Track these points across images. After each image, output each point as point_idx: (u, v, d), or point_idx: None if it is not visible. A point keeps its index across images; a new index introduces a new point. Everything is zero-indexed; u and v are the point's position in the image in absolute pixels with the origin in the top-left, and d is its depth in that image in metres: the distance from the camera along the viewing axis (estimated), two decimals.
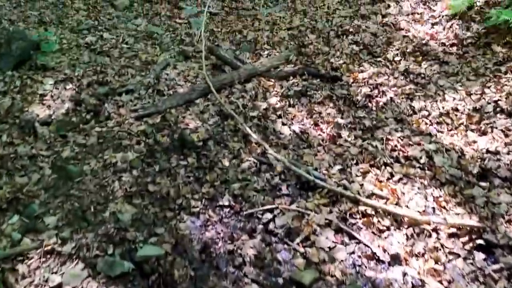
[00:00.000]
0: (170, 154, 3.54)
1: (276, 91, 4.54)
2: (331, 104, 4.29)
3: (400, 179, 3.08)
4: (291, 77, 4.74)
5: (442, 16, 5.07)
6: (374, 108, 4.07)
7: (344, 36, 5.33)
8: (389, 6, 5.71)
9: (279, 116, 4.12)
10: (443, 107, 3.79)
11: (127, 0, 6.82)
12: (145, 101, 4.30)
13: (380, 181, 3.07)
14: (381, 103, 4.08)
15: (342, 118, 4.03)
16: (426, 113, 3.77)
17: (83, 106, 4.13)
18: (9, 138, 3.70)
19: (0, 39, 4.75)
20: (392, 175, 3.12)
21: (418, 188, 2.97)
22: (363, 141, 3.60)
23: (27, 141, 3.69)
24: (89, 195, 3.11)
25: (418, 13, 5.34)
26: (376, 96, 4.21)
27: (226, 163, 3.43)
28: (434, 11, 5.25)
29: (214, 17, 6.55)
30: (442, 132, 3.51)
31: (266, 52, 5.34)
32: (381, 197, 2.89)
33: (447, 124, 3.59)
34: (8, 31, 4.98)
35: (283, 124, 4.00)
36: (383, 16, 5.54)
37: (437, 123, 3.63)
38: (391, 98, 4.09)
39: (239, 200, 3.04)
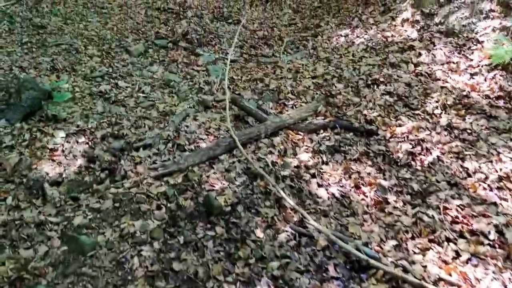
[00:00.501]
0: (195, 222, 3.14)
1: (306, 146, 4.19)
2: (369, 162, 3.93)
3: (469, 259, 2.66)
4: (322, 130, 4.41)
5: (482, 66, 4.78)
6: (419, 168, 3.70)
7: (375, 86, 5.03)
8: (420, 54, 5.44)
9: (313, 176, 3.75)
10: (500, 169, 3.41)
11: (142, 46, 6.63)
12: (165, 157, 3.94)
13: (446, 262, 2.64)
14: (427, 162, 3.71)
15: (384, 179, 3.66)
16: (483, 176, 3.39)
17: (97, 164, 3.77)
18: (15, 201, 3.31)
19: (10, 88, 4.47)
20: (458, 254, 2.70)
21: (493, 272, 2.54)
22: (413, 208, 3.20)
23: (34, 205, 3.30)
24: (104, 274, 2.70)
25: (453, 62, 5.06)
26: (420, 154, 3.85)
27: (260, 234, 3.02)
28: (471, 60, 4.97)
29: (232, 64, 6.32)
30: (505, 199, 3.11)
31: (291, 102, 5.04)
32: (451, 284, 2.46)
33: (510, 190, 3.19)
34: (18, 79, 4.71)
35: (319, 185, 3.63)
36: (415, 65, 5.26)
37: (498, 188, 3.24)
38: (438, 157, 3.72)
39: (280, 284, 2.61)
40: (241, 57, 6.50)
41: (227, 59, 6.29)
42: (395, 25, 6.36)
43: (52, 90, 4.86)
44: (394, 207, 3.22)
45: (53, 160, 3.81)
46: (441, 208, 3.07)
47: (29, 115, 4.41)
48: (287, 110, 4.92)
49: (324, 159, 4.00)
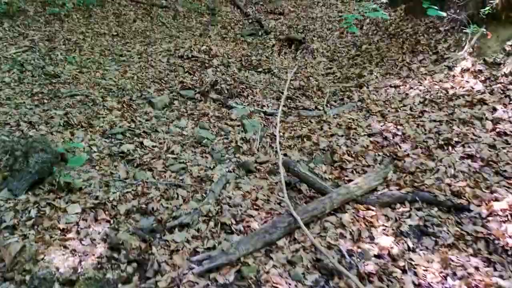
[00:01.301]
0: None
1: (383, 225, 3.35)
2: (470, 250, 3.08)
3: None
4: (398, 204, 3.58)
5: None
6: None
7: (449, 147, 4.25)
8: (495, 109, 4.69)
9: (404, 270, 2.89)
10: None
11: (167, 97, 5.95)
12: (208, 242, 3.10)
13: None
14: None
15: (501, 277, 2.78)
16: None
17: (123, 253, 2.93)
18: None
19: (16, 150, 3.72)
20: None
21: None
22: None
23: None
24: None
25: None
26: None
27: None
28: None
29: (270, 118, 5.61)
30: None
31: (349, 166, 4.25)
32: None
33: None
34: (27, 139, 3.97)
35: (416, 286, 2.75)
36: (494, 122, 4.49)
37: None
38: None
39: None
40: (279, 109, 5.78)
41: (263, 112, 5.59)
42: (453, 76, 5.67)
43: (65, 151, 4.11)
44: None
45: (66, 247, 2.98)
46: None
47: (37, 183, 3.63)
48: (346, 176, 4.12)
49: (410, 244, 3.16)
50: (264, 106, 5.81)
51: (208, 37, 9.14)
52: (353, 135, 4.81)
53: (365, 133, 4.83)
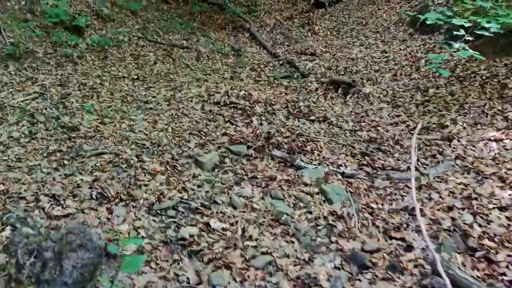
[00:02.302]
0: None
1: None
2: None
3: None
4: None
5: None
6: None
7: None
8: None
9: None
10: None
11: (216, 154, 4.86)
12: None
13: None
14: None
15: None
16: None
17: None
18: None
19: (44, 250, 2.55)
20: None
21: None
22: None
23: None
24: None
25: None
26: None
27: None
28: None
29: (349, 181, 4.51)
30: None
31: (500, 257, 3.12)
32: None
33: None
34: (58, 231, 2.80)
35: None
36: None
37: None
38: None
39: None
40: (360, 170, 4.69)
41: (341, 173, 4.50)
42: None
43: (108, 241, 2.96)
44: None
45: None
46: None
47: None
48: (502, 274, 2.98)
49: None
50: (340, 165, 4.71)
51: (240, 80, 8.17)
52: (478, 208, 3.72)
53: (494, 205, 3.74)
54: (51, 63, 7.37)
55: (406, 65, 7.87)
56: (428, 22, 6.01)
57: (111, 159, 4.57)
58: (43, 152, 4.61)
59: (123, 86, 7.25)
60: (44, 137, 4.98)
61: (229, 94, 6.81)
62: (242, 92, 6.90)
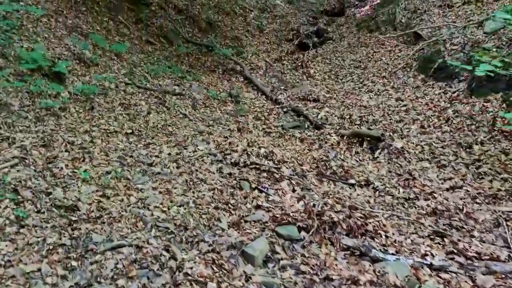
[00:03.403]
0: None
1: None
2: None
3: None
4: None
5: None
6: None
7: None
8: None
9: None
10: None
11: (265, 242, 3.89)
12: None
13: None
14: None
15: None
16: None
17: None
18: None
19: None
20: None
21: None
22: None
23: None
24: None
25: None
26: None
27: None
28: None
29: (443, 277, 3.64)
30: None
31: None
32: None
33: None
34: None
35: None
36: None
37: None
38: None
39: None
40: (448, 259, 3.84)
41: (428, 265, 3.63)
42: None
43: None
44: None
45: None
46: None
47: None
48: None
49: None
50: (425, 255, 3.84)
51: (249, 133, 7.29)
52: None
53: None
54: (29, 117, 6.20)
55: (431, 115, 7.27)
56: (477, 74, 5.42)
57: (132, 254, 3.51)
58: (39, 248, 3.50)
59: (118, 144, 6.18)
60: (37, 223, 3.86)
61: (248, 152, 5.90)
62: (263, 150, 6.01)
